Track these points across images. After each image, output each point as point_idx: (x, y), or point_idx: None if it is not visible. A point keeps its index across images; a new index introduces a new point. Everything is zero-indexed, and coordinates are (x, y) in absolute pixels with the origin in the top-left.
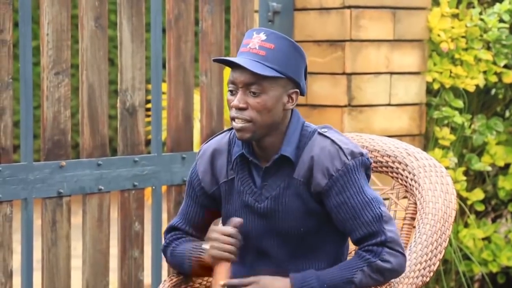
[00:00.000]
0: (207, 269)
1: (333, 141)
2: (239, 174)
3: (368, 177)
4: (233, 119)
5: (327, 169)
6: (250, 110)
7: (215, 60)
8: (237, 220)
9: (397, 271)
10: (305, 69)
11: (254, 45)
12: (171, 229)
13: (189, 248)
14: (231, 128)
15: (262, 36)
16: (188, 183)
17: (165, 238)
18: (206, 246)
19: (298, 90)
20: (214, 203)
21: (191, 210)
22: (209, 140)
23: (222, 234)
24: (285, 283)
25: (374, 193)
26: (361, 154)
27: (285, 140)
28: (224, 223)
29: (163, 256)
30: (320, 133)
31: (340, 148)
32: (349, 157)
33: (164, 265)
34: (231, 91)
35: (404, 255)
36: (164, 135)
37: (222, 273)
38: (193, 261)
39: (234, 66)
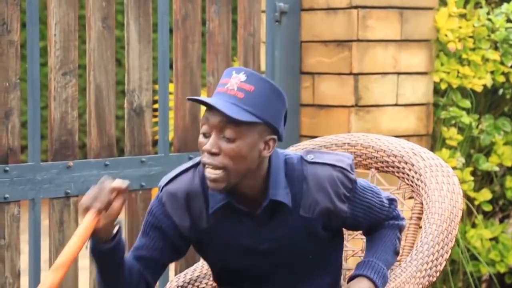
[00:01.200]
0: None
1: (332, 165)
2: (226, 220)
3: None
4: (204, 165)
5: (344, 194)
6: (223, 156)
7: (189, 99)
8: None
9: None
10: (285, 113)
11: (232, 85)
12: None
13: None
14: (196, 165)
15: (242, 77)
16: (151, 225)
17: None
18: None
19: (275, 137)
20: (186, 246)
21: (148, 252)
22: (172, 180)
23: (102, 187)
24: (364, 282)
25: (361, 179)
26: (351, 159)
27: (270, 184)
28: (210, 265)
29: None
30: (311, 162)
31: (343, 168)
32: (352, 171)
33: (171, 265)
34: (204, 133)
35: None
36: (171, 135)
37: (88, 222)
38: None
39: (209, 106)
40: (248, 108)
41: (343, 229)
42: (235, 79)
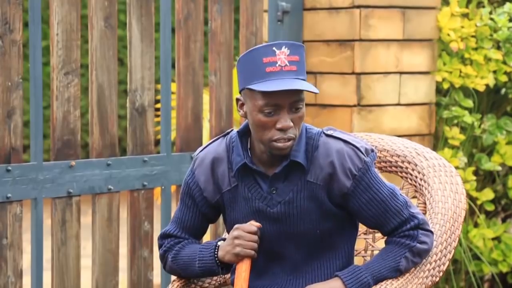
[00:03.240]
0: (223, 268)
1: (346, 141)
2: (244, 181)
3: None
4: (277, 140)
5: (350, 169)
6: (294, 127)
7: (264, 92)
8: (255, 223)
9: (430, 250)
10: None
11: (282, 62)
12: (166, 236)
13: (197, 249)
14: (226, 134)
15: (286, 51)
16: (185, 193)
17: (161, 245)
18: (221, 243)
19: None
20: (214, 211)
21: (188, 219)
22: (204, 148)
23: (245, 232)
24: (337, 284)
25: (390, 183)
26: (372, 150)
27: (293, 145)
28: (229, 231)
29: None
30: (327, 135)
31: (356, 147)
32: (365, 154)
33: None
34: (268, 113)
35: (433, 232)
36: (173, 135)
37: (246, 271)
38: (206, 261)
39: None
40: (304, 77)
41: (356, 221)
42: (281, 55)
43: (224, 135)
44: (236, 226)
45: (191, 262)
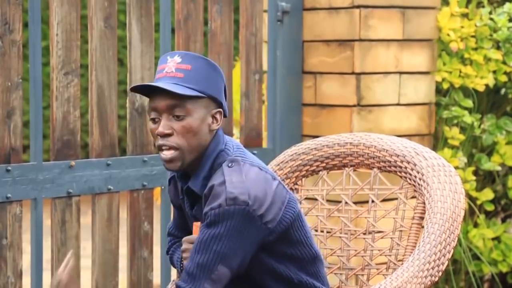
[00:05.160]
0: None
1: (224, 181)
2: (182, 195)
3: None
4: (159, 148)
5: (206, 208)
6: (176, 136)
7: (132, 89)
8: (199, 224)
9: None
10: (224, 88)
11: (170, 68)
12: (168, 233)
13: (176, 258)
14: None
15: (177, 59)
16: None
17: (167, 241)
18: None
19: (221, 110)
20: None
21: (176, 217)
22: None
23: (189, 243)
24: None
25: (233, 250)
26: (246, 204)
27: (197, 170)
28: None
29: None
30: (223, 168)
31: (225, 190)
32: (228, 201)
33: None
34: (153, 119)
35: None
36: None
37: None
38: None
39: (153, 92)
40: (190, 86)
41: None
42: (171, 63)
43: None
44: (183, 239)
45: (177, 269)
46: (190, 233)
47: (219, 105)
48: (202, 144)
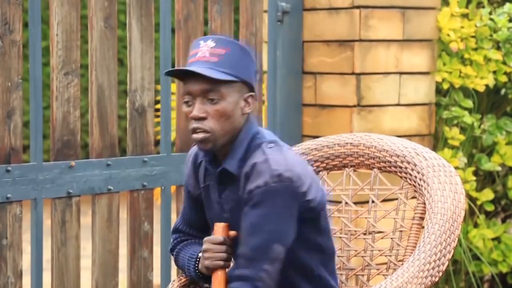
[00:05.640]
0: (207, 278)
1: (267, 159)
2: (210, 181)
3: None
4: (193, 131)
5: (250, 186)
6: (210, 119)
7: (166, 74)
8: (221, 225)
9: None
10: (255, 72)
11: (203, 53)
12: (174, 230)
13: (187, 257)
14: None
15: (211, 43)
16: (184, 187)
17: (171, 239)
18: (200, 255)
19: (253, 94)
20: (202, 205)
21: (188, 212)
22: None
23: (212, 244)
24: None
25: (284, 227)
26: (290, 180)
27: (231, 151)
28: (210, 227)
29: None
30: (262, 148)
31: (270, 167)
32: (274, 179)
33: (173, 265)
34: (187, 102)
35: None
36: (173, 135)
37: (218, 282)
38: (190, 272)
39: (187, 76)
40: (224, 70)
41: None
42: (204, 47)
43: None
44: (205, 239)
45: (184, 268)
46: (202, 228)
47: (251, 89)
48: (235, 128)
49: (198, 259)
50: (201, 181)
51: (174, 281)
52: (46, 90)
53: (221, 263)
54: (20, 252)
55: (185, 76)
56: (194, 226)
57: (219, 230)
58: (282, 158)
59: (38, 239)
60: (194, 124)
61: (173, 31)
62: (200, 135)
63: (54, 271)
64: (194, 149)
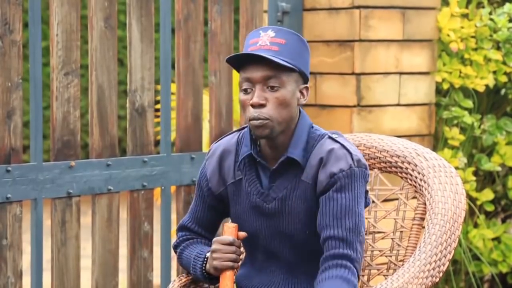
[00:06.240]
0: (213, 279)
1: (342, 145)
2: (247, 175)
3: (366, 193)
4: (252, 117)
5: (332, 170)
6: (269, 106)
7: (228, 59)
8: (231, 225)
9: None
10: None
11: (264, 42)
12: (181, 227)
13: (193, 256)
14: (242, 129)
15: (271, 33)
16: (197, 183)
17: (176, 236)
18: (209, 255)
19: (308, 86)
20: (221, 204)
21: (199, 210)
22: (219, 140)
23: (221, 244)
24: None
25: (363, 212)
26: (366, 167)
27: (292, 141)
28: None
29: (172, 256)
30: (330, 137)
31: (349, 152)
32: (355, 163)
33: (173, 265)
34: (245, 89)
35: (359, 278)
36: (173, 135)
37: (227, 283)
38: (196, 271)
39: (247, 63)
40: (285, 59)
41: None
42: (265, 37)
43: (240, 129)
44: (214, 239)
45: (188, 267)
46: (211, 228)
47: (306, 81)
48: (291, 117)
49: (205, 259)
50: (229, 176)
51: (174, 281)
52: (46, 90)
53: (230, 263)
54: (20, 252)
55: (244, 63)
56: (203, 225)
57: (229, 230)
58: (353, 147)
59: (38, 239)
60: (253, 112)
61: (173, 31)
62: (259, 121)
63: (54, 271)
64: (220, 145)
